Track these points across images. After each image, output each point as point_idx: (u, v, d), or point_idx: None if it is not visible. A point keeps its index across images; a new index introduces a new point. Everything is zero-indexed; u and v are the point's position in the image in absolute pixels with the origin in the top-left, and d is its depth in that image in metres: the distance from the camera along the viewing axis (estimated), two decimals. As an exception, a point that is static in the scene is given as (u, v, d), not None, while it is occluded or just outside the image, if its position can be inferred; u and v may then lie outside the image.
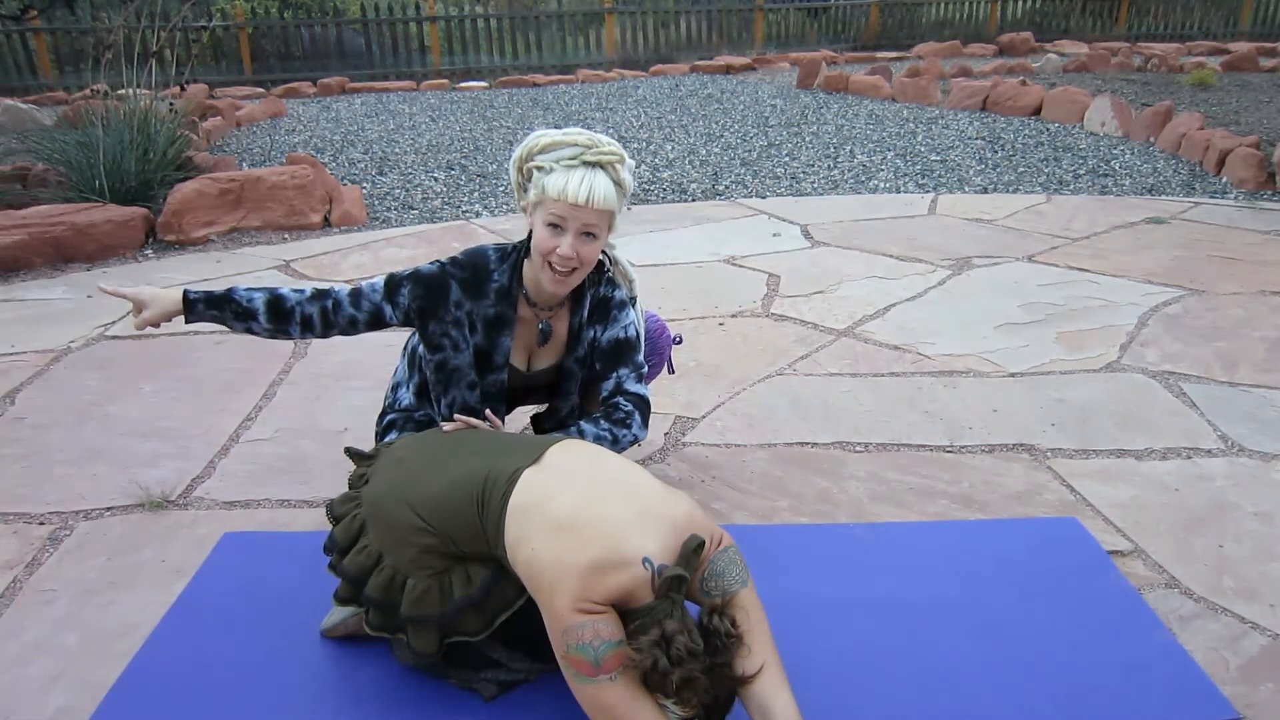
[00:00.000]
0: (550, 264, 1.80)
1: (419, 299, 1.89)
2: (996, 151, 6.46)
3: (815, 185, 5.64)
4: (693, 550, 1.41)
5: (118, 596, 1.92)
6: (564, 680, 1.64)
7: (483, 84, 11.17)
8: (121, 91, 5.33)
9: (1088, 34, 15.48)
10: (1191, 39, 15.39)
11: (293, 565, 1.98)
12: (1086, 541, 2.05)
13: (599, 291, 1.98)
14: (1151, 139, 6.62)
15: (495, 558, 1.53)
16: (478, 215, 5.05)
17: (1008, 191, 5.41)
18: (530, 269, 1.91)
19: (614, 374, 1.97)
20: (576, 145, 1.76)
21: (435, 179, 5.93)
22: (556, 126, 2.03)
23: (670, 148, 6.85)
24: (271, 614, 1.83)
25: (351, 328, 1.91)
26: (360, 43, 12.36)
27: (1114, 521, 2.15)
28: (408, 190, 5.63)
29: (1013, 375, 2.92)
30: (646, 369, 2.10)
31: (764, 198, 5.32)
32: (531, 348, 2.00)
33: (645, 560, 1.38)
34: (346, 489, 1.78)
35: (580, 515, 1.42)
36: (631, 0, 13.42)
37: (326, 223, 4.90)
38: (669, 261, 4.10)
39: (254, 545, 2.07)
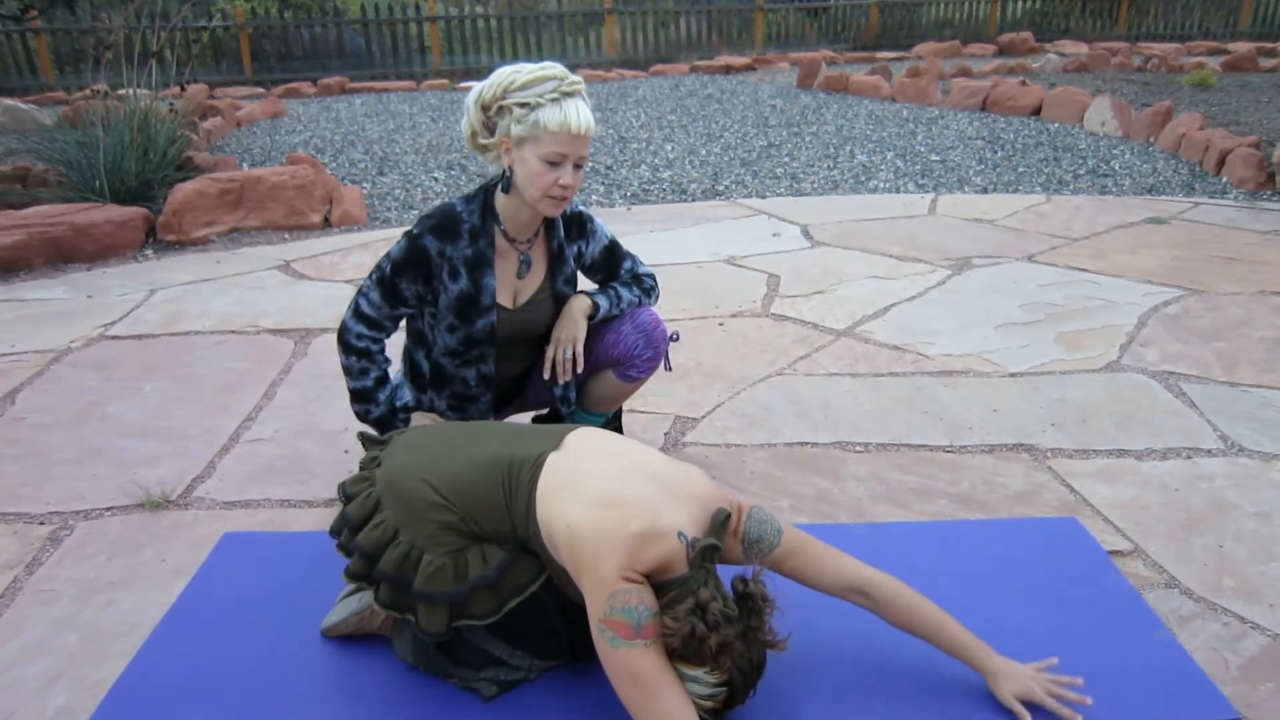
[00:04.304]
0: (550, 195, 1.88)
1: (416, 280, 1.97)
2: (996, 151, 6.46)
3: (815, 185, 5.64)
4: (721, 522, 1.50)
5: (118, 596, 1.92)
6: (564, 680, 1.65)
7: (483, 84, 11.17)
8: (121, 91, 5.33)
9: (1088, 34, 15.48)
10: (1191, 39, 15.39)
11: (293, 565, 1.98)
12: (1086, 541, 2.05)
13: (565, 210, 2.09)
14: (1151, 139, 6.62)
15: (514, 540, 1.55)
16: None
17: (1008, 191, 5.41)
18: (507, 203, 1.98)
19: (621, 268, 2.20)
20: (554, 78, 1.83)
21: (435, 179, 5.93)
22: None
23: (670, 148, 6.85)
24: (271, 614, 1.83)
25: (394, 329, 2.08)
26: (360, 43, 12.36)
27: (1114, 521, 2.15)
28: (408, 190, 5.63)
29: (1012, 375, 2.92)
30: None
31: (764, 198, 5.32)
32: (514, 283, 2.05)
33: (680, 534, 1.45)
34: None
35: (615, 493, 1.47)
36: (631, 0, 13.42)
37: (327, 223, 4.90)
38: (669, 261, 4.10)
39: (254, 545, 2.06)
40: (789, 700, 1.61)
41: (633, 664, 1.37)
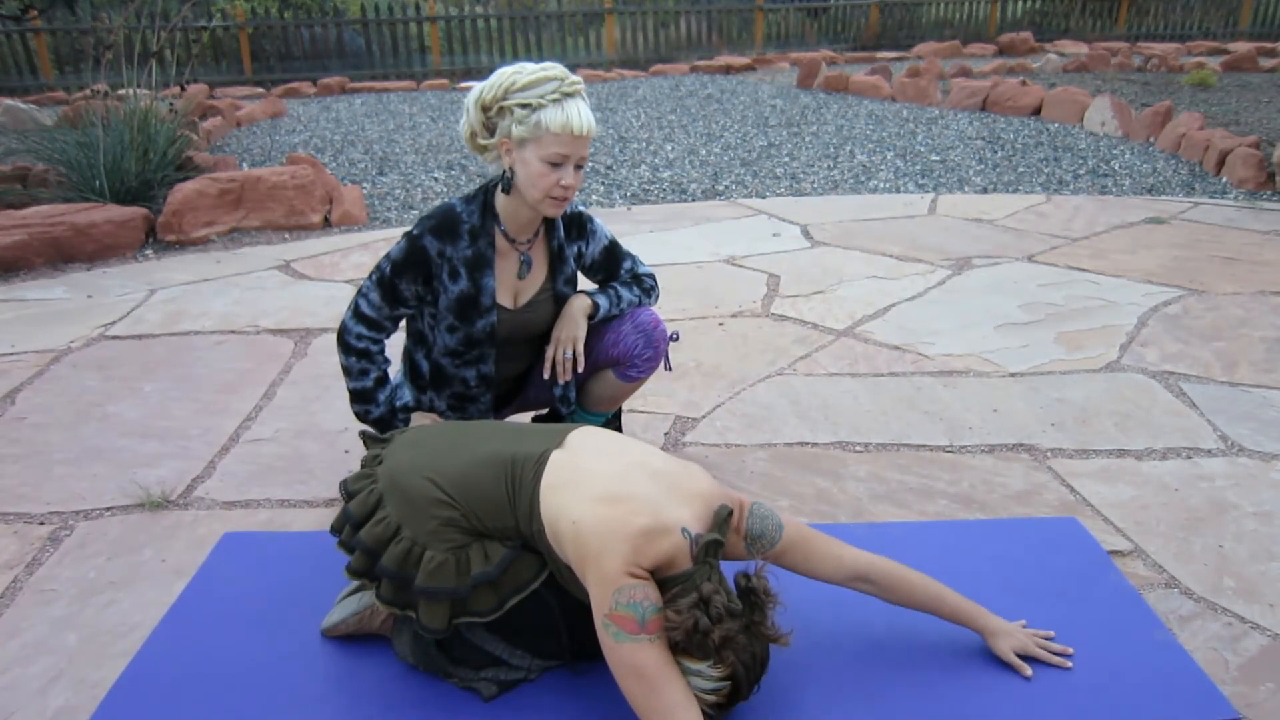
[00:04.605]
0: (551, 195, 1.88)
1: (416, 280, 1.98)
2: (996, 151, 6.46)
3: (815, 185, 5.64)
4: (724, 519, 1.51)
5: (118, 596, 1.92)
6: (564, 680, 1.65)
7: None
8: (121, 91, 5.33)
9: (1088, 34, 15.49)
10: (1191, 39, 15.39)
11: (293, 565, 1.98)
12: (1086, 541, 2.05)
13: (566, 210, 2.09)
14: (1151, 139, 6.62)
15: (516, 537, 1.56)
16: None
17: (1008, 191, 5.41)
18: (507, 204, 1.98)
19: (621, 269, 2.20)
20: (555, 79, 1.82)
21: (435, 179, 5.93)
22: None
23: (670, 148, 6.85)
24: (271, 614, 1.83)
25: (393, 330, 2.07)
26: (360, 43, 12.36)
27: (1114, 521, 2.15)
28: (408, 190, 5.64)
29: (1012, 375, 2.92)
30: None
31: (764, 198, 5.33)
32: (515, 283, 2.06)
33: (683, 530, 1.47)
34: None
35: (618, 491, 1.49)
36: (631, 0, 13.42)
37: (327, 223, 4.90)
38: (669, 261, 4.10)
39: (254, 545, 2.07)
40: (791, 696, 1.61)
41: (637, 659, 1.38)
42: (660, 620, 1.40)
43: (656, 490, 1.51)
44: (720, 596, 1.41)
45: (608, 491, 1.48)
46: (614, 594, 1.40)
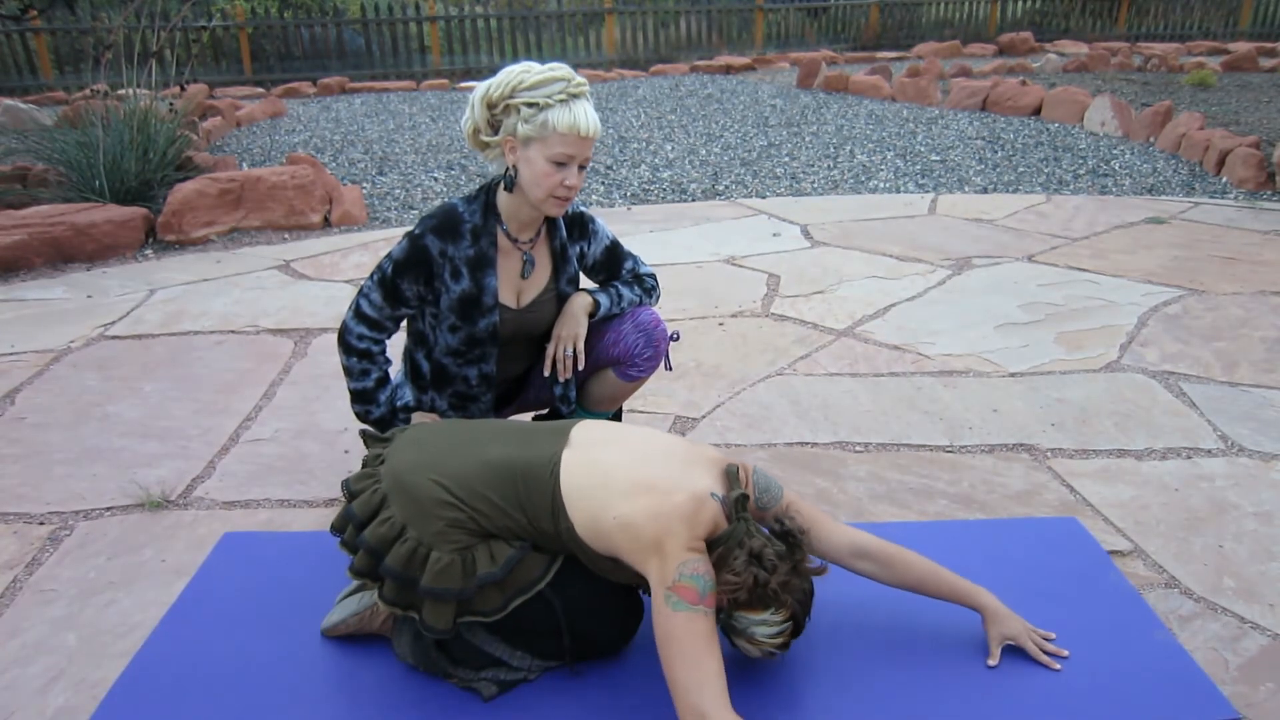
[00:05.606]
0: (555, 195, 1.89)
1: (417, 280, 1.98)
2: (996, 151, 6.46)
3: (815, 185, 5.64)
4: (735, 475, 1.60)
5: (118, 596, 1.92)
6: (564, 680, 1.65)
7: (483, 84, 11.17)
8: (121, 91, 5.33)
9: (1088, 34, 15.49)
10: (1191, 39, 15.39)
11: (293, 565, 1.98)
12: (1086, 541, 2.05)
13: (567, 210, 2.10)
14: (1151, 139, 6.62)
15: (525, 536, 1.58)
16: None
17: (1008, 191, 5.41)
18: (509, 202, 1.98)
19: (623, 269, 2.21)
20: (562, 79, 1.83)
21: (435, 179, 5.93)
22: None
23: (670, 148, 6.85)
24: (271, 614, 1.83)
25: (395, 330, 2.08)
26: (360, 43, 12.35)
27: (1114, 521, 2.15)
28: (408, 190, 5.64)
29: (1012, 375, 2.92)
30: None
31: (764, 197, 5.33)
32: (518, 282, 2.06)
33: (712, 494, 1.54)
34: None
35: (643, 478, 1.54)
36: (631, 0, 13.42)
37: (326, 223, 4.90)
38: (669, 261, 4.10)
39: (254, 545, 2.07)
40: (792, 696, 1.61)
41: (690, 627, 1.42)
42: (715, 596, 1.46)
43: (673, 467, 1.57)
44: (769, 548, 1.50)
45: (635, 481, 1.53)
46: (679, 566, 1.45)
